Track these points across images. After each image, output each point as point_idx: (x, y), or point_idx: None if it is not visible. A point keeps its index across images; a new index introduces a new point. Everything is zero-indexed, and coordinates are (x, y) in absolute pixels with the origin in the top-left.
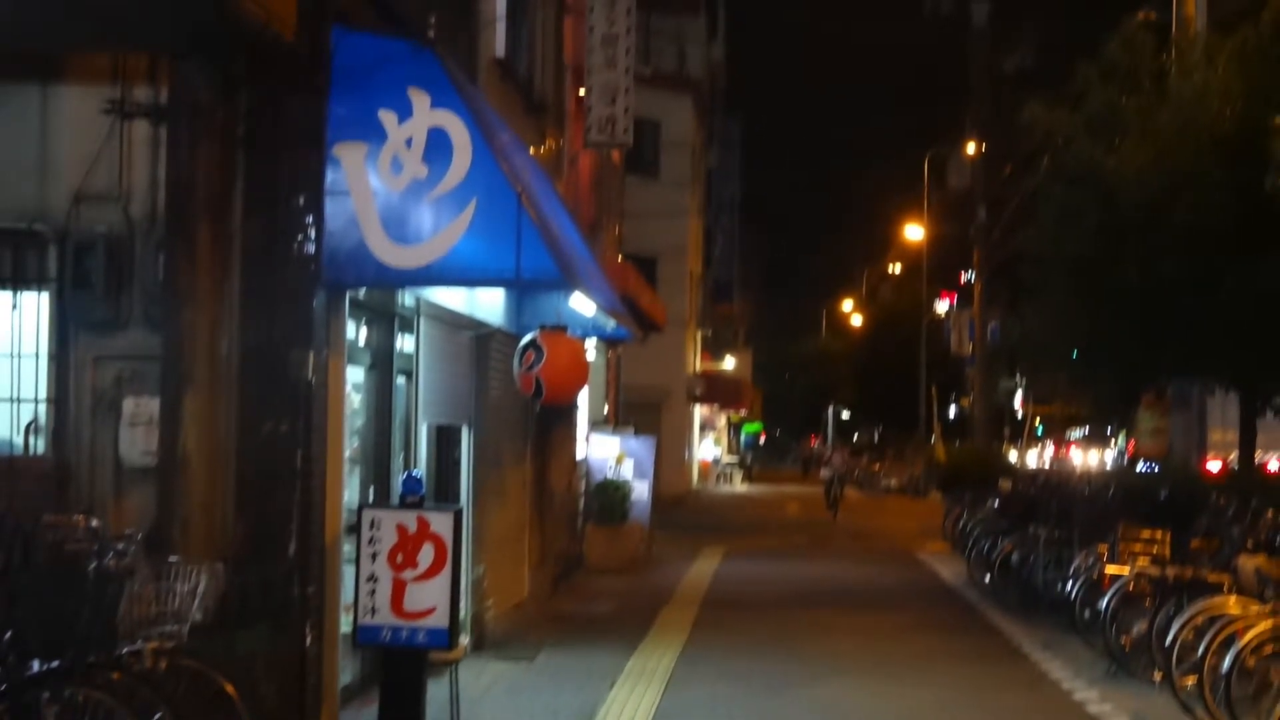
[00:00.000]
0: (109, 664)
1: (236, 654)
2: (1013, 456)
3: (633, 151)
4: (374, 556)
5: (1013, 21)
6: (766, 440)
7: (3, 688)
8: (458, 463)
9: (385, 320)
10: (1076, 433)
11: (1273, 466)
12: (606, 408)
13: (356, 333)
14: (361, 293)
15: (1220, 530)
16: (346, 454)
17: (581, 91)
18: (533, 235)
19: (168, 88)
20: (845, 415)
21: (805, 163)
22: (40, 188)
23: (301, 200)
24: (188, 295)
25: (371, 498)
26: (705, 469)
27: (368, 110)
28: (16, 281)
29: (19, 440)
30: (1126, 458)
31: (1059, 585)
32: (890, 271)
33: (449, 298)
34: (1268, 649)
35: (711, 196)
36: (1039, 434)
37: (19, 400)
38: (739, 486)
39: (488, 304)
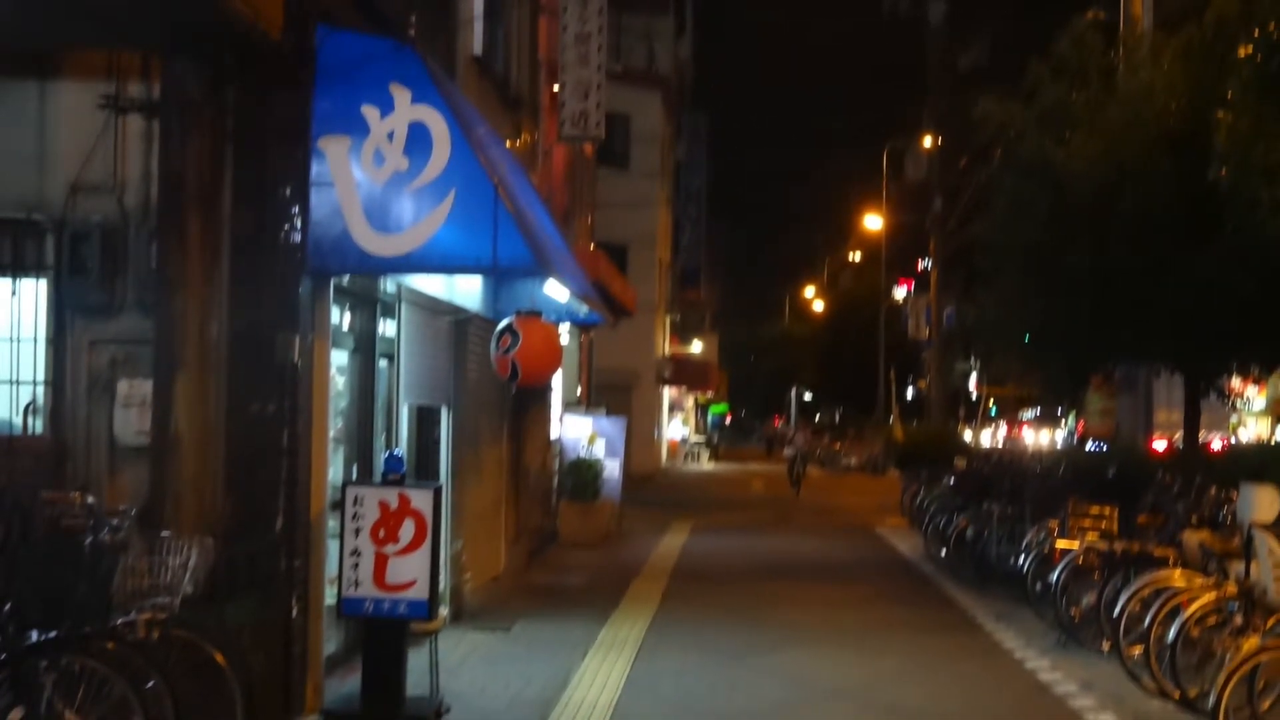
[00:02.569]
0: (104, 634)
1: (226, 624)
2: (967, 436)
3: (604, 144)
4: (357, 532)
5: (968, 20)
6: (732, 420)
7: (2, 656)
8: (437, 442)
9: (368, 306)
10: (1028, 413)
11: (1215, 446)
12: (579, 389)
13: (340, 318)
14: (345, 279)
15: (1165, 506)
16: (331, 433)
17: (555, 87)
18: (509, 225)
19: (160, 84)
20: (808, 397)
21: (769, 155)
22: (38, 179)
23: (288, 191)
24: (179, 282)
25: (355, 475)
26: (674, 448)
27: (351, 105)
28: (16, 269)
29: (18, 420)
30: (1076, 437)
31: (1011, 559)
32: (850, 259)
33: (429, 284)
34: (1211, 620)
35: (679, 187)
36: (992, 414)
37: (18, 382)
38: (706, 465)
39: (466, 290)
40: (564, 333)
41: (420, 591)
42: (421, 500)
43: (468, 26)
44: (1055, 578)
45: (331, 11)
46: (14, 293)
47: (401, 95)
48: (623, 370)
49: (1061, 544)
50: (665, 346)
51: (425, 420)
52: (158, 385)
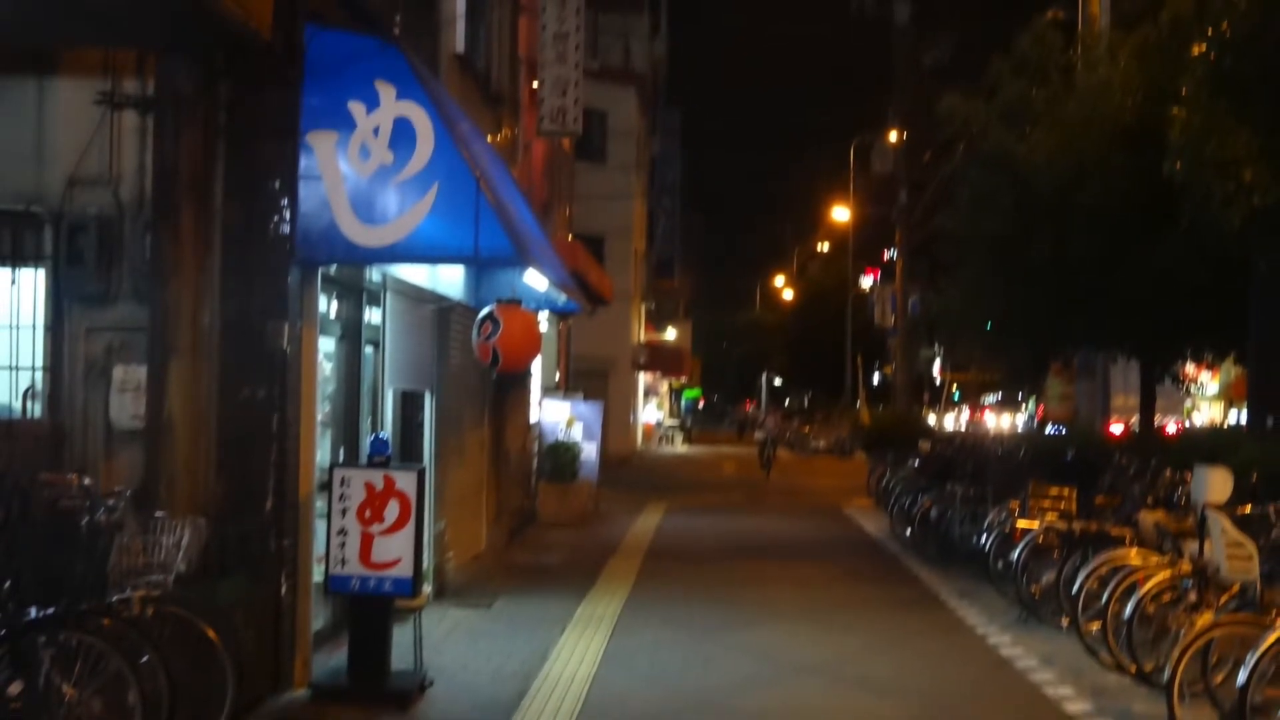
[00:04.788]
0: (100, 611)
1: (217, 602)
2: (931, 420)
3: (582, 139)
4: (344, 512)
5: (932, 20)
6: (705, 405)
7: (2, 632)
8: (421, 426)
9: (354, 294)
10: (990, 398)
11: (1170, 429)
12: (558, 375)
13: (328, 306)
14: (332, 269)
15: (1122, 488)
16: (319, 417)
17: (535, 84)
18: (490, 216)
19: (154, 81)
20: (778, 382)
21: (741, 149)
22: (37, 173)
23: (277, 184)
24: (172, 271)
25: (342, 458)
26: (649, 431)
27: (338, 101)
28: (15, 259)
29: (17, 405)
30: (1036, 421)
31: (974, 538)
32: (819, 250)
33: (413, 273)
34: (1166, 596)
35: (654, 180)
36: (956, 399)
37: (18, 368)
38: (680, 448)
39: (449, 279)
40: (543, 320)
41: (404, 569)
42: (406, 482)
43: (450, 25)
44: (1016, 556)
45: (319, 11)
46: (13, 282)
47: (387, 92)
48: (599, 356)
49: (1022, 524)
50: (640, 334)
51: (409, 405)
52: (152, 371)
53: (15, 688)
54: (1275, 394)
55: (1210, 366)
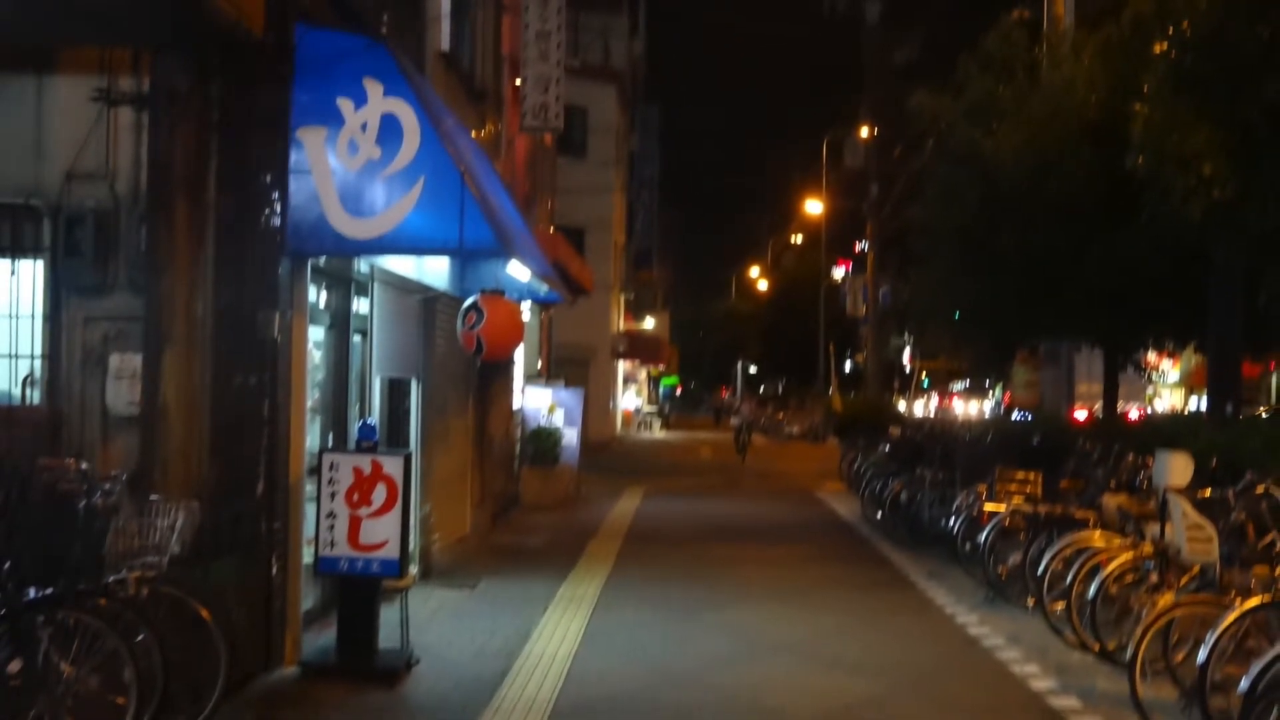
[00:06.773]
0: (97, 591)
1: (210, 582)
2: (901, 406)
3: (563, 135)
4: (333, 495)
5: (902, 19)
6: (682, 392)
7: (2, 612)
8: (407, 412)
9: (343, 285)
10: (958, 385)
11: (1133, 415)
12: (540, 363)
13: (317, 296)
14: (322, 260)
15: (1086, 472)
16: (308, 404)
17: (518, 81)
18: (474, 209)
19: (149, 77)
20: (753, 369)
21: (717, 145)
22: (36, 167)
23: (268, 178)
24: (167, 263)
25: (330, 443)
26: (628, 418)
27: (327, 98)
28: (15, 251)
29: (17, 392)
30: (1003, 408)
31: (943, 521)
32: (793, 242)
33: (400, 265)
34: (1128, 578)
35: (633, 175)
36: (925, 386)
37: (17, 356)
38: (658, 433)
39: (434, 270)
40: (525, 310)
41: (391, 551)
42: (393, 466)
43: (436, 24)
44: (983, 538)
45: (309, 10)
46: (13, 273)
47: (374, 89)
48: (580, 345)
49: (989, 507)
50: (620, 323)
51: (396, 392)
52: (147, 359)
53: (14, 665)
54: (1234, 381)
55: (1171, 355)
